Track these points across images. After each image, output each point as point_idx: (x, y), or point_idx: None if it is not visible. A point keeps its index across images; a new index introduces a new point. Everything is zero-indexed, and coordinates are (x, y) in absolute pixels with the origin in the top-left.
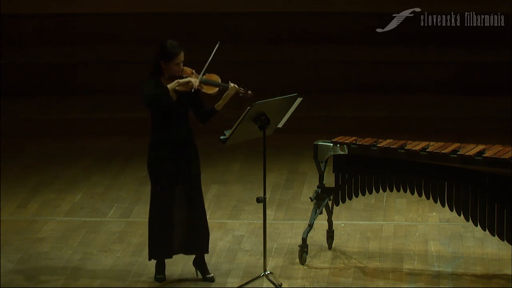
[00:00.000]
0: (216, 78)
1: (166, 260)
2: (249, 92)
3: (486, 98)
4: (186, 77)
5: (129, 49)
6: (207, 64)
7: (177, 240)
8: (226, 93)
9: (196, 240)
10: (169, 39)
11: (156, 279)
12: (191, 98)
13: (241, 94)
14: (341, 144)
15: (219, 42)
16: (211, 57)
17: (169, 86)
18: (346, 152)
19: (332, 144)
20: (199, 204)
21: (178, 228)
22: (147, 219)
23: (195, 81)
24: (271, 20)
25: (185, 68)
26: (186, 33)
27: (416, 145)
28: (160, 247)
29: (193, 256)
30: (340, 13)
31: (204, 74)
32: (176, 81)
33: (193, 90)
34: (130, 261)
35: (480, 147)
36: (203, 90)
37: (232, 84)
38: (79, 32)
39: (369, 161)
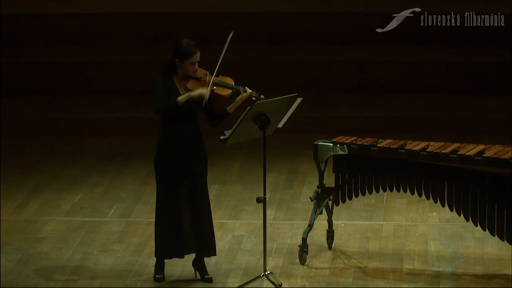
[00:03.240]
0: (230, 80)
1: (166, 260)
2: (262, 96)
3: (486, 98)
4: (200, 78)
5: (129, 49)
6: (218, 65)
7: (188, 240)
8: (239, 96)
9: (202, 243)
10: (186, 38)
11: (155, 279)
12: (203, 101)
13: (254, 98)
14: (341, 144)
15: (225, 47)
16: (220, 58)
17: (179, 99)
18: (346, 152)
19: (332, 144)
20: (204, 206)
21: (187, 227)
22: (147, 219)
23: (206, 93)
24: (271, 20)
25: (199, 69)
26: (186, 33)
27: (416, 145)
28: (170, 246)
29: (193, 256)
30: (340, 13)
31: (217, 75)
32: (187, 94)
33: (204, 104)
34: (130, 261)
35: (480, 147)
36: (216, 92)
37: (245, 88)
38: (79, 32)
39: (369, 161)
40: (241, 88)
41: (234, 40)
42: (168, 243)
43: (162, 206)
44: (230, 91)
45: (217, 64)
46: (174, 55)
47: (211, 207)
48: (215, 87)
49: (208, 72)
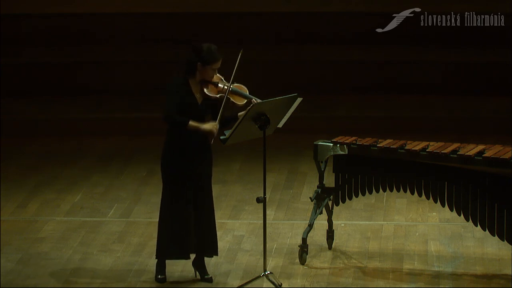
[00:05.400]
0: (245, 89)
1: (167, 260)
2: None
3: (486, 98)
4: (216, 83)
5: (129, 49)
6: (234, 72)
7: (192, 241)
8: (251, 105)
9: (205, 243)
10: (209, 43)
11: (157, 279)
12: (215, 106)
13: None
14: (341, 144)
15: (242, 50)
16: (236, 65)
17: (191, 124)
18: (346, 152)
19: (332, 144)
20: (208, 206)
21: (191, 229)
22: (147, 219)
23: (215, 132)
24: (271, 20)
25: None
26: (187, 33)
27: (416, 145)
28: (176, 247)
29: (193, 256)
30: (340, 13)
31: (232, 83)
32: (198, 126)
33: (211, 141)
34: (130, 261)
35: (480, 147)
36: (232, 100)
37: (258, 101)
38: (79, 32)
39: (369, 161)
40: (253, 98)
41: (234, 40)
42: (173, 244)
43: (168, 207)
44: (245, 100)
45: (233, 72)
46: (197, 59)
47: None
48: (230, 96)
49: (222, 78)
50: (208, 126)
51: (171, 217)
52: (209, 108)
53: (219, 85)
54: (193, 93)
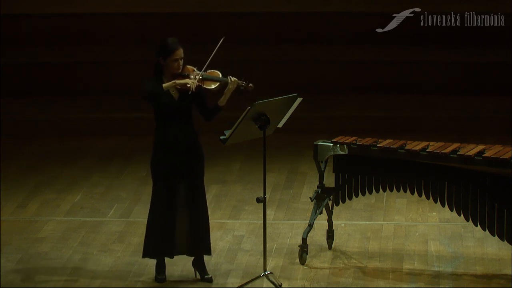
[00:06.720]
0: (216, 73)
1: (166, 260)
2: (250, 85)
3: (486, 98)
4: (187, 74)
5: (128, 49)
6: (208, 61)
7: (179, 241)
8: (227, 87)
9: (198, 242)
10: (170, 37)
11: (156, 279)
12: (193, 96)
13: (242, 88)
14: (341, 144)
15: (222, 39)
16: (213, 53)
17: (165, 85)
18: (346, 152)
19: (332, 144)
20: (201, 204)
21: (180, 228)
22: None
23: (192, 83)
24: (271, 20)
25: (186, 66)
26: (187, 33)
27: (416, 145)
28: (161, 245)
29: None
30: (340, 13)
31: (205, 70)
32: (173, 81)
33: (190, 93)
34: (130, 261)
35: (480, 147)
36: (204, 86)
37: (232, 78)
38: (79, 32)
39: (369, 161)
40: (227, 79)
41: (234, 40)
42: (159, 243)
43: (156, 206)
44: (218, 84)
45: (206, 63)
46: (157, 55)
47: (210, 207)
48: (201, 83)
49: (196, 69)
50: (184, 80)
51: (156, 216)
52: (188, 101)
53: (191, 76)
54: (168, 90)
